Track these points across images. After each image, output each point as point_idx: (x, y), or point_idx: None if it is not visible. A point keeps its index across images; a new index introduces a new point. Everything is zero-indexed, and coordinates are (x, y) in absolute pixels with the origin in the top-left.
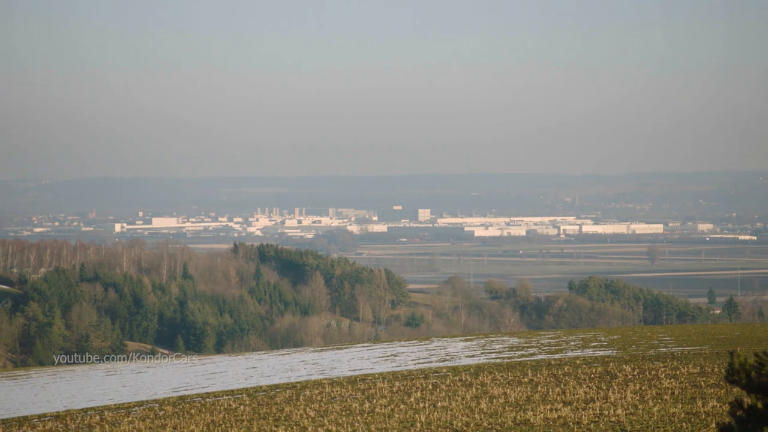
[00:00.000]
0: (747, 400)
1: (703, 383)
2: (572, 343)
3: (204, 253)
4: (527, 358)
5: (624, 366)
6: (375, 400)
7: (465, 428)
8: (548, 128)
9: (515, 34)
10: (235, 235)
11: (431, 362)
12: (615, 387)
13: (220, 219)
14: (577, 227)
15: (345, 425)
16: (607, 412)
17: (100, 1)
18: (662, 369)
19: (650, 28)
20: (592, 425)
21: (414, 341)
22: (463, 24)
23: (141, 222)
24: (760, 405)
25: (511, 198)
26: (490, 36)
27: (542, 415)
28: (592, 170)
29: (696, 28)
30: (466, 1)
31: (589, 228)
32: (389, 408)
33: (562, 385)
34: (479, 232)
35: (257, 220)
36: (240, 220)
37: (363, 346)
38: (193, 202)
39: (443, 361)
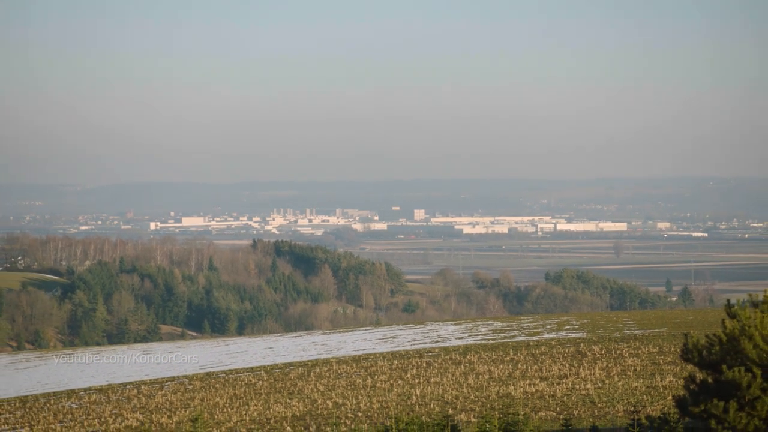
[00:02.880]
0: (699, 376)
1: (661, 361)
2: (548, 326)
3: (227, 248)
4: (509, 340)
5: (593, 346)
6: (376, 376)
7: (455, 401)
8: (528, 141)
9: (497, 56)
10: (254, 232)
11: (425, 343)
12: (585, 365)
13: (241, 218)
14: (552, 225)
15: (350, 398)
16: (578, 387)
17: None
18: (626, 349)
19: (614, 47)
20: (565, 398)
21: (410, 325)
22: (451, 46)
23: (172, 221)
24: (710, 380)
25: (495, 200)
26: (480, 56)
27: (522, 389)
28: (566, 176)
29: (665, 48)
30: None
31: (562, 226)
32: (389, 383)
33: (539, 363)
34: (467, 230)
35: (273, 219)
36: (258, 219)
37: (366, 330)
38: (218, 203)
39: (436, 342)
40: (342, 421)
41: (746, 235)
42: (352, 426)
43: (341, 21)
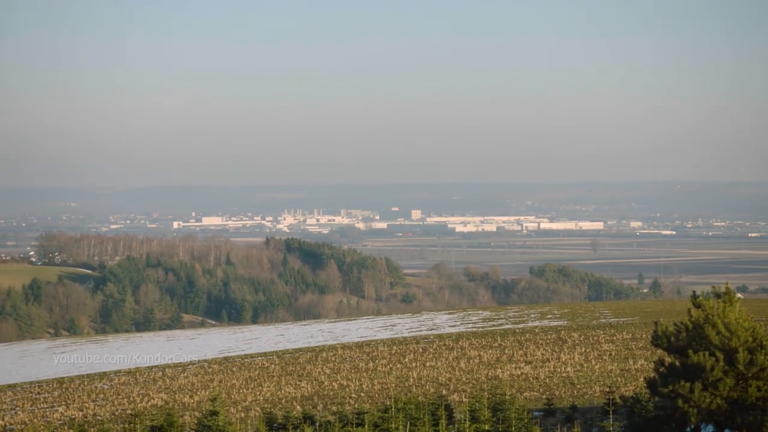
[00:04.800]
0: (668, 360)
1: (633, 346)
2: (532, 315)
3: (243, 245)
4: (497, 327)
5: (573, 333)
6: (377, 361)
7: (448, 382)
8: (515, 149)
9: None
10: (267, 231)
11: (421, 331)
12: (565, 350)
13: (255, 218)
14: (536, 224)
15: (354, 380)
16: (559, 370)
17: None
18: (602, 335)
19: (590, 63)
20: (547, 380)
21: (408, 314)
22: (442, 64)
23: (193, 220)
24: (677, 363)
25: (485, 201)
26: (469, 72)
27: (509, 372)
28: (548, 180)
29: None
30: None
31: (545, 225)
32: (388, 366)
33: (524, 349)
34: (459, 229)
35: (284, 219)
36: (271, 219)
37: (368, 318)
38: (235, 204)
39: (431, 330)
40: (346, 401)
41: (710, 233)
42: (356, 405)
43: (340, 40)
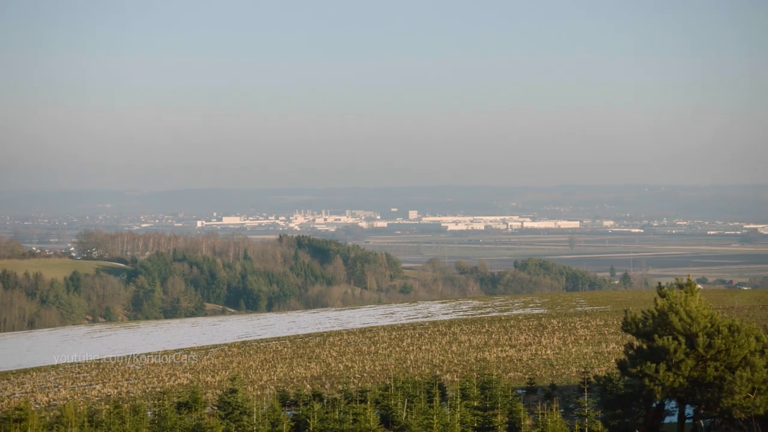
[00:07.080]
0: (636, 343)
1: (606, 332)
2: (516, 304)
3: (258, 241)
4: (485, 315)
5: (552, 320)
6: (378, 345)
7: (441, 364)
8: (501, 156)
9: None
10: (280, 229)
11: (418, 318)
12: (546, 335)
13: (269, 218)
14: (519, 223)
15: (357, 362)
16: (540, 352)
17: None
18: (578, 322)
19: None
20: (529, 361)
21: (405, 304)
22: (433, 80)
23: (215, 220)
24: (644, 346)
25: (474, 203)
26: (460, 88)
27: (495, 354)
28: (531, 184)
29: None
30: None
31: (528, 224)
32: (388, 350)
33: (509, 334)
34: (451, 227)
35: (296, 218)
36: (284, 218)
37: (370, 307)
38: (252, 205)
39: (426, 317)
40: (351, 380)
41: (673, 231)
42: (359, 384)
43: (347, 58)
